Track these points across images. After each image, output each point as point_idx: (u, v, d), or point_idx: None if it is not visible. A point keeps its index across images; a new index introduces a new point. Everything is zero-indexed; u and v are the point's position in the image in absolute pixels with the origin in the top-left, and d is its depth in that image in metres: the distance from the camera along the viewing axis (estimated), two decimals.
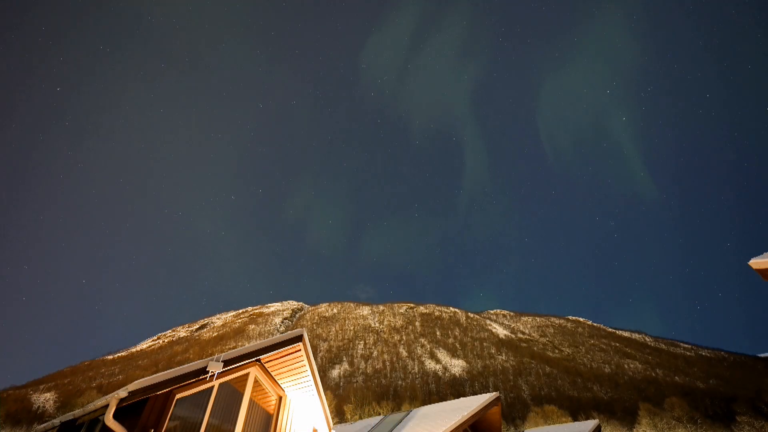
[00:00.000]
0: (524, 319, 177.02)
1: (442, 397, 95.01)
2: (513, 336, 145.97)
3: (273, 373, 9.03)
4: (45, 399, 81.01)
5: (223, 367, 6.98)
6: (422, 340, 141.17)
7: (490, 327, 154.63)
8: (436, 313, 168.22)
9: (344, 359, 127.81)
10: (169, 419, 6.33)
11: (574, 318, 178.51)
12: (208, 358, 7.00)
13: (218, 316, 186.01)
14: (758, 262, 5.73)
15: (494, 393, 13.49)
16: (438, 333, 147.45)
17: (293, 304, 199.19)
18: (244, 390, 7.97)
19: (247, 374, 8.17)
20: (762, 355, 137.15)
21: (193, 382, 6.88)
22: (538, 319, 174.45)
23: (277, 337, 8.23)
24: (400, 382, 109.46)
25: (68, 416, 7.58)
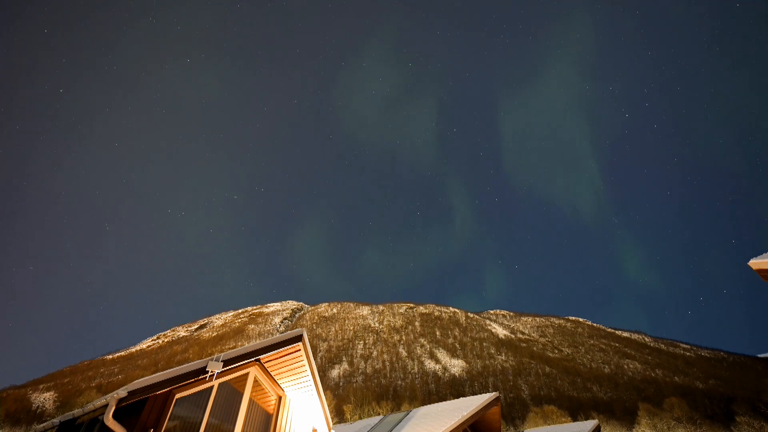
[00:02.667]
0: (524, 319, 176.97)
1: (441, 397, 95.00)
2: (513, 336, 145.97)
3: (273, 373, 9.02)
4: (44, 398, 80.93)
5: (223, 366, 6.98)
6: (422, 340, 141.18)
7: (489, 327, 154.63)
8: (436, 313, 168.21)
9: (344, 359, 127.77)
10: (169, 419, 6.33)
11: (573, 318, 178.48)
12: (208, 358, 7.00)
13: (218, 315, 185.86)
14: (758, 263, 5.73)
15: (494, 393, 13.50)
16: (438, 333, 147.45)
17: (293, 304, 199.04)
18: (243, 390, 7.96)
19: (247, 374, 8.16)
20: (762, 355, 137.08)
21: (193, 381, 6.88)
22: (537, 319, 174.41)
23: (277, 337, 8.22)
24: (399, 382, 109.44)
25: (68, 416, 7.58)
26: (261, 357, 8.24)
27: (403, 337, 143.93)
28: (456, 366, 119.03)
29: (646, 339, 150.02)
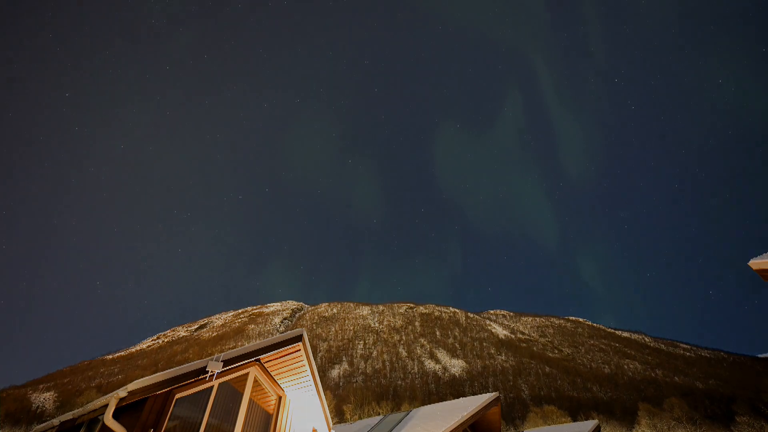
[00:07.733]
0: (524, 319, 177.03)
1: (441, 397, 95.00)
2: (513, 336, 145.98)
3: (273, 373, 9.02)
4: (44, 398, 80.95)
5: (223, 366, 6.98)
6: (422, 340, 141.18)
7: (489, 327, 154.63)
8: (436, 313, 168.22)
9: (344, 359, 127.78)
10: (169, 419, 6.33)
11: (573, 318, 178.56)
12: (208, 358, 6.99)
13: (218, 315, 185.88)
14: (758, 263, 5.73)
15: (494, 393, 13.50)
16: (438, 333, 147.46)
17: (293, 304, 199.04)
18: (243, 390, 7.96)
19: (247, 374, 8.16)
20: (762, 355, 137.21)
21: (193, 381, 6.88)
22: (537, 319, 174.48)
23: (277, 337, 8.21)
24: (399, 382, 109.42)
25: (68, 416, 7.58)
26: (261, 357, 8.24)
27: (403, 337, 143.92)
28: (456, 366, 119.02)
29: (646, 339, 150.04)
